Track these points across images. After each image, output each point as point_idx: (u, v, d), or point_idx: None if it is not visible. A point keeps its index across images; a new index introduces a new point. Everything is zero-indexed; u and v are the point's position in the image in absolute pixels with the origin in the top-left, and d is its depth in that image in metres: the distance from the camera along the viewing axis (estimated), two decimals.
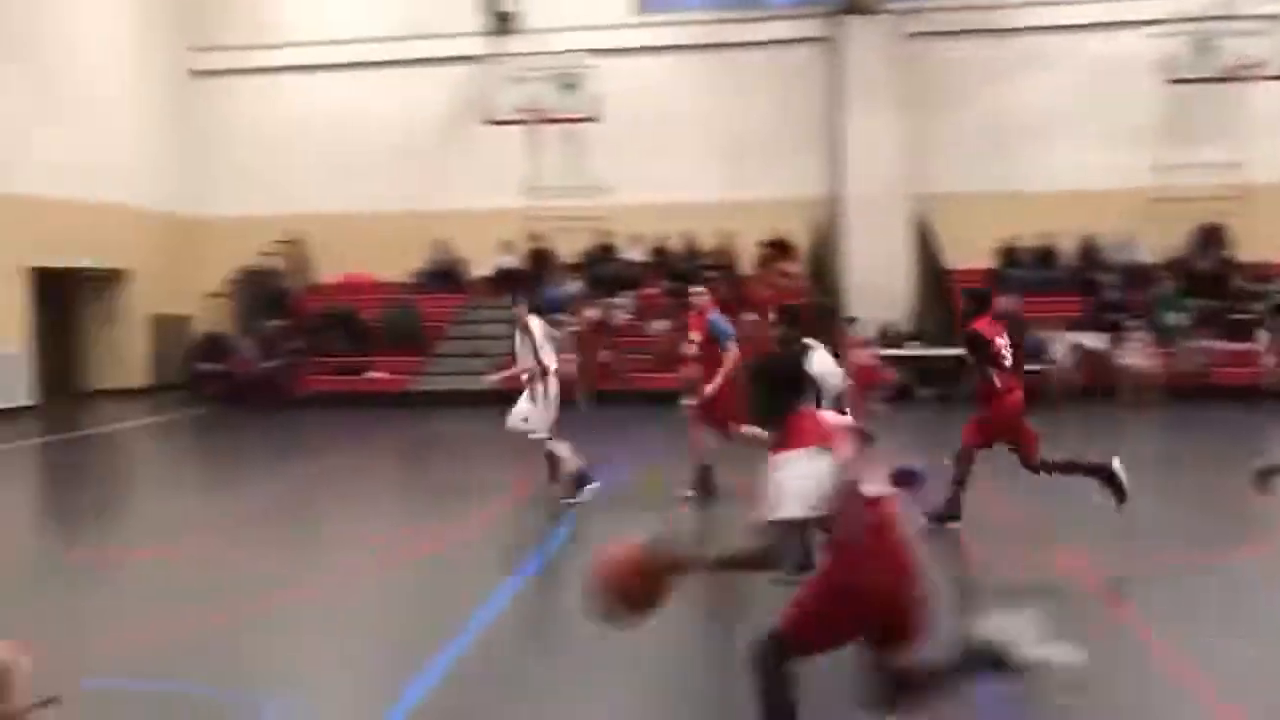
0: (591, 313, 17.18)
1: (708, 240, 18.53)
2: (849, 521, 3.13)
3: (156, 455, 13.58)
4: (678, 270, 18.26)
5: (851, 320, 15.07)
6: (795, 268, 17.15)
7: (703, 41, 18.91)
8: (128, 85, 18.63)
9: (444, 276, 19.36)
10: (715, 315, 8.68)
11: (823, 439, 3.17)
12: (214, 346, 17.57)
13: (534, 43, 18.75)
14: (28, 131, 15.93)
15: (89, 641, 5.45)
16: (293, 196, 19.26)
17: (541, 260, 18.97)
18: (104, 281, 18.42)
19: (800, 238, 17.80)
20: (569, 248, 18.94)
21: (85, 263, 17.53)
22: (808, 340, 6.35)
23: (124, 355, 18.69)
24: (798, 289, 17.20)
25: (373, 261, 19.28)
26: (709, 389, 8.26)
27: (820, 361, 6.07)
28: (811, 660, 3.33)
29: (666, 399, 15.06)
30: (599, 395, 15.71)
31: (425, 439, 13.97)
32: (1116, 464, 7.08)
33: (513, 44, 19.07)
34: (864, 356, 13.20)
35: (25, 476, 11.94)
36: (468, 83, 19.14)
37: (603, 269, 18.56)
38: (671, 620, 6.04)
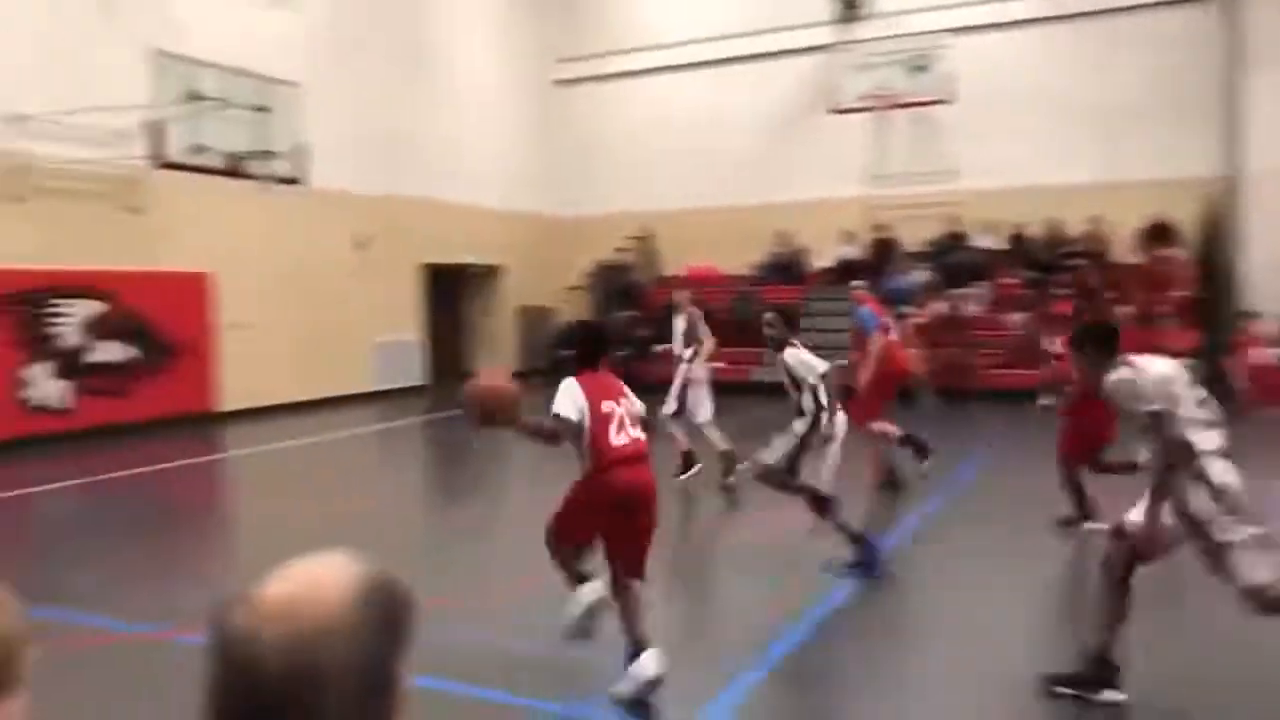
0: (938, 305, 16.36)
1: (1074, 226, 16.99)
2: (588, 449, 4.33)
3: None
4: (1038, 259, 16.98)
5: (1249, 316, 13.13)
6: (1176, 254, 15.28)
7: (1066, 11, 17.37)
8: (501, 98, 20.47)
9: (784, 268, 19.38)
10: (864, 309, 9.29)
11: (591, 386, 4.42)
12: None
13: (883, 26, 18.23)
14: (418, 141, 17.99)
15: (464, 597, 5.99)
16: (646, 194, 20.23)
17: (885, 250, 18.41)
18: (482, 277, 20.43)
19: (1184, 222, 15.81)
20: (915, 236, 18.22)
21: (467, 260, 19.53)
22: (792, 340, 6.63)
23: (497, 343, 20.62)
24: (1179, 278, 15.31)
25: (717, 254, 19.75)
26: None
27: (792, 356, 6.52)
28: (575, 548, 4.51)
29: (1022, 396, 14.06)
30: (947, 392, 14.92)
31: (763, 427, 14.02)
32: None
33: (861, 30, 18.66)
34: (1264, 356, 11.44)
35: (417, 449, 13.50)
36: (813, 73, 19.03)
37: (952, 258, 17.63)
38: (1021, 629, 5.57)
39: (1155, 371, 4.06)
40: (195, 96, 11.30)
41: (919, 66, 17.64)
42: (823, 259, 18.86)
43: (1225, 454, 3.94)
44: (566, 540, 4.48)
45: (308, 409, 14.91)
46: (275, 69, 12.64)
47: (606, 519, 4.31)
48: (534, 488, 9.66)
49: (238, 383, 14.35)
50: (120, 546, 7.71)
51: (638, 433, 4.41)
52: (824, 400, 6.27)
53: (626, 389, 4.54)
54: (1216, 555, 3.82)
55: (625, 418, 4.38)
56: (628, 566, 4.32)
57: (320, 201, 15.21)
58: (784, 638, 5.11)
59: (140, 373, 13.24)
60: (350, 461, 11.85)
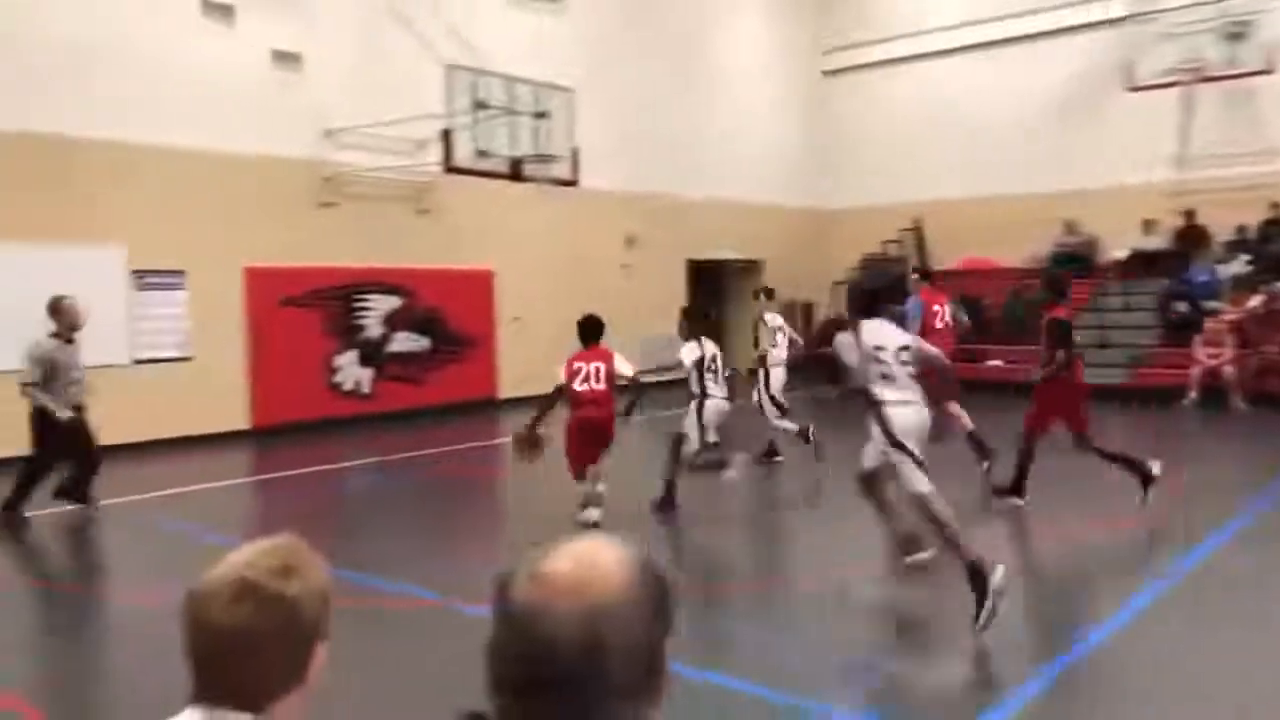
0: (1255, 300, 14.54)
1: None
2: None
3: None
4: None
5: None
6: None
7: None
8: (768, 92, 20.38)
9: (1071, 260, 17.94)
10: (912, 300, 9.59)
11: (576, 358, 7.28)
12: (836, 331, 18.40)
13: None
14: (686, 138, 18.24)
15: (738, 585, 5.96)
16: (915, 184, 19.46)
17: (1191, 239, 16.58)
18: (744, 272, 20.45)
19: None
20: (1228, 224, 16.29)
21: (729, 255, 19.62)
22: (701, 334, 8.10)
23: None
24: None
25: (993, 246, 18.63)
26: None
27: (686, 351, 8.12)
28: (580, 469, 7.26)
29: None
30: (1263, 399, 13.24)
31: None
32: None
33: None
34: None
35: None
36: (1105, 49, 17.45)
37: (1273, 247, 15.60)
38: None
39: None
40: (481, 105, 12.06)
41: (1234, 34, 15.72)
42: (1116, 250, 17.30)
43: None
44: (572, 465, 7.30)
45: None
46: (551, 75, 13.27)
47: (576, 439, 7.25)
48: (798, 480, 9.51)
49: (513, 372, 15.22)
50: (412, 520, 8.36)
51: (599, 385, 7.19)
52: (707, 387, 7.90)
53: (613, 356, 7.33)
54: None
55: (592, 374, 7.21)
56: (586, 463, 7.25)
57: (593, 201, 15.82)
58: (1071, 649, 4.68)
59: (432, 362, 14.36)
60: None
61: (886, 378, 5.19)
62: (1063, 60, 18.08)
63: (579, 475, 7.26)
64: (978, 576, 4.71)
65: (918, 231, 19.92)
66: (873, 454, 5.41)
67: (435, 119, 11.92)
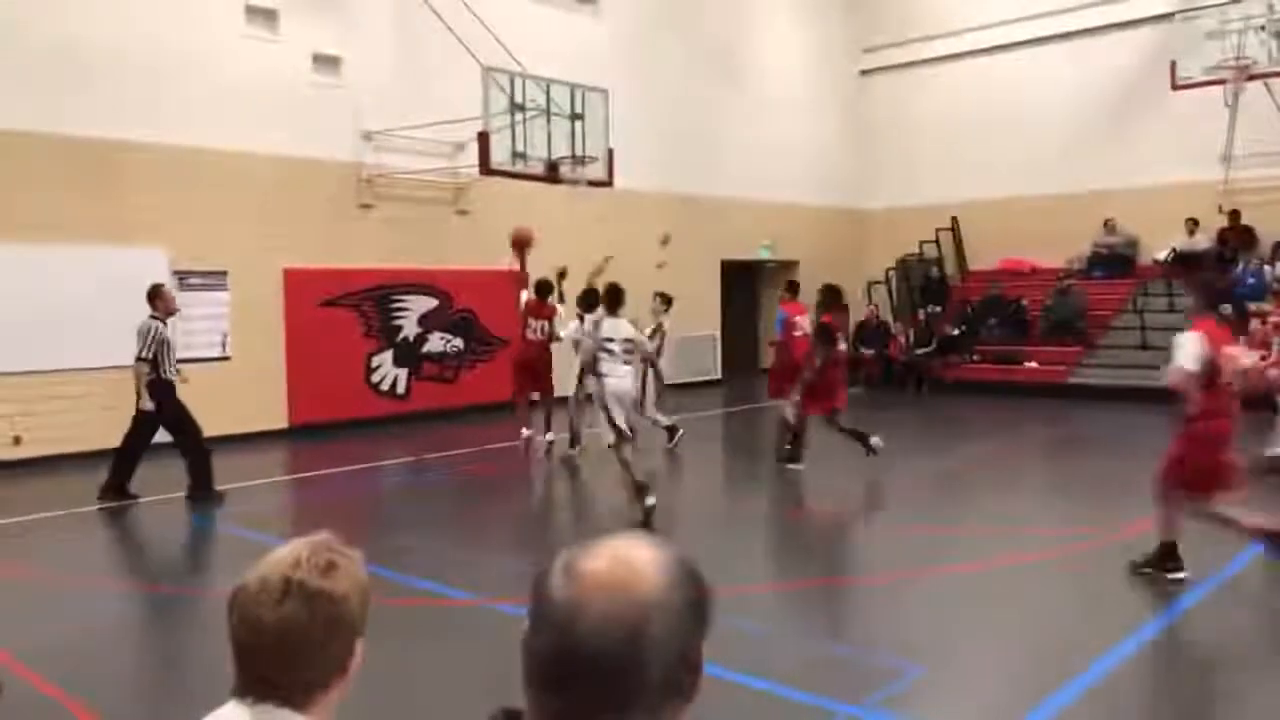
0: None
1: None
2: None
3: (815, 429, 14.58)
4: None
5: None
6: None
7: None
8: (804, 91, 20.27)
9: (1113, 261, 17.72)
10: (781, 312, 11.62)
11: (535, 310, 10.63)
12: (872, 331, 18.33)
13: None
14: (722, 138, 18.22)
15: (757, 585, 5.96)
16: (953, 184, 19.28)
17: (1236, 239, 16.30)
18: (778, 272, 20.37)
19: None
20: (1276, 223, 15.98)
21: (764, 256, 19.55)
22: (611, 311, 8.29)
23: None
24: None
25: (1033, 246, 18.43)
26: None
27: (612, 328, 8.14)
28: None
29: None
30: None
31: (1081, 434, 12.89)
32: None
33: None
34: None
35: (712, 439, 13.69)
36: (1149, 46, 17.19)
37: None
38: None
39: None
40: (517, 107, 12.12)
41: None
42: (1159, 250, 17.02)
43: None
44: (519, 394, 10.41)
45: None
46: (587, 76, 13.30)
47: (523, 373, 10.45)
48: (828, 479, 9.48)
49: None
50: (446, 519, 8.43)
51: (542, 333, 10.36)
52: (601, 369, 8.13)
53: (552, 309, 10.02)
54: None
55: (539, 326, 10.46)
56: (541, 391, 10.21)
57: (627, 202, 15.84)
58: (1107, 654, 4.62)
59: (466, 362, 14.46)
60: (647, 452, 12.21)
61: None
62: (1105, 58, 17.83)
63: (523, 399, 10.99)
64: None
65: (954, 232, 19.74)
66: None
67: (472, 121, 12.00)
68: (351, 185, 13.19)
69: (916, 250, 19.53)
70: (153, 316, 8.68)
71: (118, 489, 8.62)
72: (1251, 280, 14.98)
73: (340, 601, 1.38)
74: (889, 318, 18.97)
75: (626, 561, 0.99)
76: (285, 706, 1.35)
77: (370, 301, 13.46)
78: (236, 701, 1.37)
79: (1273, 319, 14.15)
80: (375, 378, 13.56)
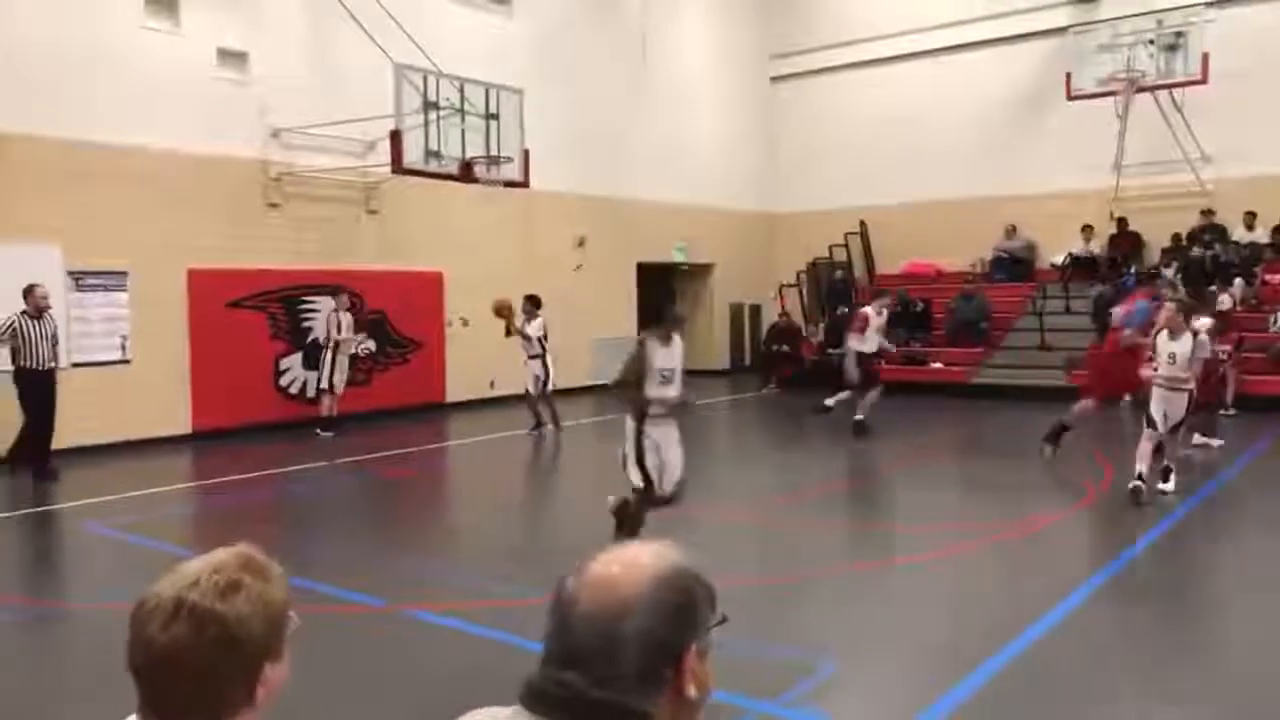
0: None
1: None
2: None
3: (731, 429, 14.78)
4: None
5: None
6: None
7: None
8: (718, 97, 20.50)
9: (1014, 265, 18.36)
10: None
11: None
12: (784, 333, 18.63)
13: (1130, 3, 16.82)
14: (636, 141, 18.30)
15: None
16: (864, 190, 19.69)
17: (1125, 245, 17.06)
18: (693, 274, 20.56)
19: None
20: (1163, 230, 16.78)
21: (678, 258, 19.70)
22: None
23: (707, 340, 20.70)
24: None
25: (938, 250, 18.97)
26: None
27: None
28: None
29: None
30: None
31: (985, 433, 13.33)
32: None
33: (1104, 8, 17.35)
34: None
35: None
36: (1048, 58, 17.87)
37: (1206, 254, 16.09)
38: (1249, 650, 4.98)
39: None
40: (431, 106, 11.97)
41: (1171, 45, 16.18)
42: (1056, 255, 17.72)
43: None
44: None
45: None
46: (502, 76, 13.23)
47: None
48: (738, 481, 9.59)
49: (462, 376, 15.14)
50: (359, 525, 8.29)
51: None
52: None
53: None
54: None
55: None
56: None
57: (542, 203, 15.80)
58: (1014, 641, 4.80)
59: (379, 365, 14.22)
60: (569, 453, 12.21)
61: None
62: (1007, 68, 18.47)
63: None
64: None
65: (863, 236, 20.20)
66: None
67: (384, 119, 11.82)
68: (258, 183, 12.86)
69: (827, 254, 19.92)
70: (23, 312, 9.54)
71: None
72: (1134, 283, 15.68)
73: (235, 625, 1.28)
74: (800, 320, 19.31)
75: (623, 563, 1.15)
76: None
77: (278, 303, 13.14)
78: (136, 717, 1.31)
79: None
80: (284, 381, 13.24)
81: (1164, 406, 8.13)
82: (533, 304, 12.93)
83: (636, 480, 6.20)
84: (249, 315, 12.80)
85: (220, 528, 7.97)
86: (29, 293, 9.61)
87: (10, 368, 9.58)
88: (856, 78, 20.24)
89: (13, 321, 9.48)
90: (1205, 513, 8.08)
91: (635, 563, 1.15)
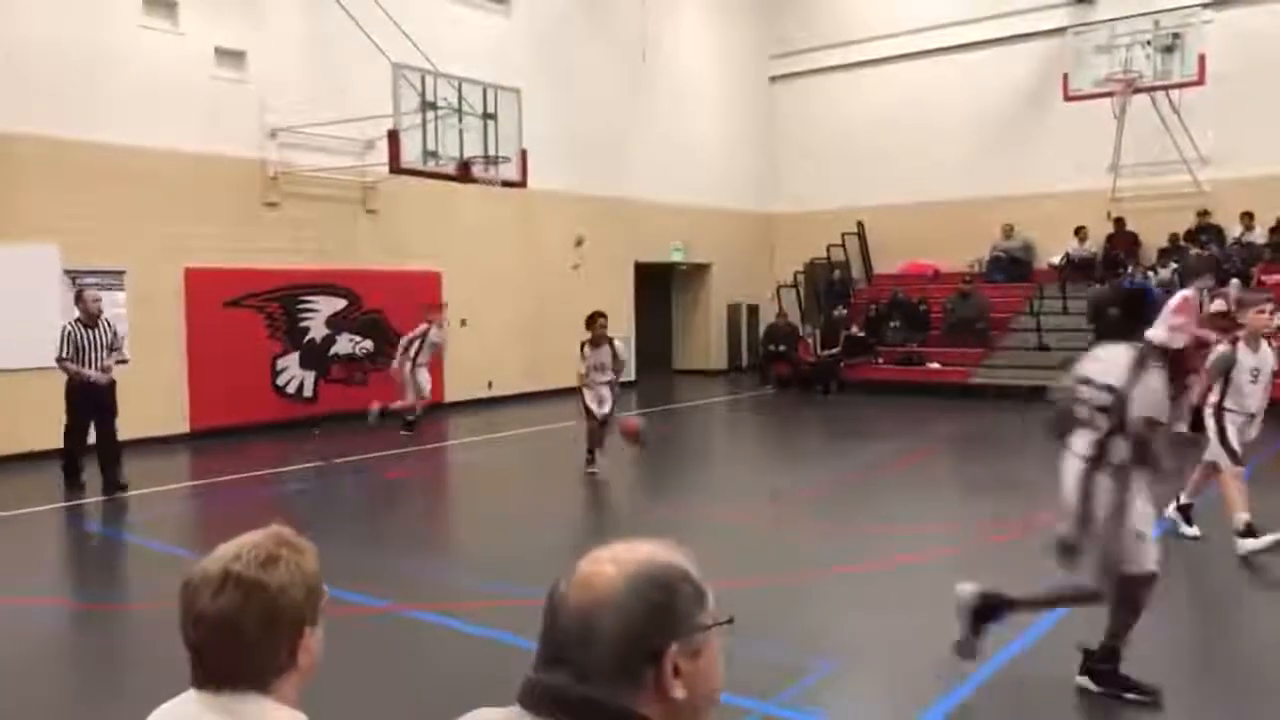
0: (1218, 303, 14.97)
1: None
2: None
3: (728, 430, 14.80)
4: None
5: None
6: None
7: None
8: (717, 96, 20.52)
9: (1011, 265, 18.39)
10: None
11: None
12: (781, 333, 18.64)
13: (1127, 4, 16.85)
14: (635, 141, 18.31)
15: None
16: (859, 189, 19.74)
17: (1121, 246, 17.08)
18: (691, 274, 20.58)
19: None
20: (1160, 231, 16.80)
21: (676, 259, 19.72)
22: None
23: (705, 340, 20.72)
24: None
25: (936, 250, 18.99)
26: None
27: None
28: None
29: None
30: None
31: (983, 433, 13.34)
32: None
33: (1102, 9, 17.38)
34: None
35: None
36: (1046, 58, 17.90)
37: (1204, 254, 16.11)
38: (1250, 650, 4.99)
39: None
40: (429, 105, 11.98)
41: (1168, 46, 16.21)
42: (1053, 256, 17.75)
43: None
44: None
45: (527, 400, 15.53)
46: (500, 76, 13.22)
47: None
48: (737, 480, 9.60)
49: (461, 375, 15.13)
50: (355, 525, 8.29)
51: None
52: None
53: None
54: None
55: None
56: None
57: (541, 203, 15.80)
58: (1008, 647, 4.81)
59: (376, 364, 14.22)
60: (563, 452, 12.21)
61: None
62: (1004, 69, 18.49)
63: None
64: None
65: (860, 236, 20.22)
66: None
67: (382, 119, 11.82)
68: (257, 183, 12.86)
69: (824, 254, 19.94)
70: (76, 320, 9.04)
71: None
72: (1136, 284, 15.69)
73: (277, 593, 1.42)
74: (798, 320, 19.32)
75: (607, 561, 1.16)
76: (235, 693, 1.41)
77: (276, 302, 13.13)
78: (195, 691, 1.44)
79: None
80: (281, 380, 13.24)
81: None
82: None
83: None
84: (246, 315, 12.79)
85: (218, 528, 7.95)
86: (79, 298, 9.16)
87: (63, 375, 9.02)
88: (855, 78, 20.27)
89: (68, 331, 8.92)
90: (1206, 514, 8.09)
91: (622, 560, 1.16)
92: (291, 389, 13.34)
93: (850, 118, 20.19)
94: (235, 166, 12.58)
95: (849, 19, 20.32)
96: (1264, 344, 6.80)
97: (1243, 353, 6.72)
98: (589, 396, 10.03)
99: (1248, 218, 16.17)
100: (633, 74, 18.41)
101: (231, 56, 12.61)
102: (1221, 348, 6.90)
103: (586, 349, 10.08)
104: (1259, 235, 16.12)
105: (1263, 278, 15.34)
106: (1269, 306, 7.01)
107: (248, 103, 12.61)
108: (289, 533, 1.53)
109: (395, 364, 12.88)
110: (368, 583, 6.13)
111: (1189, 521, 7.12)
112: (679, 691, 1.12)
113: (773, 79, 21.57)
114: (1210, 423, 6.83)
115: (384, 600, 5.79)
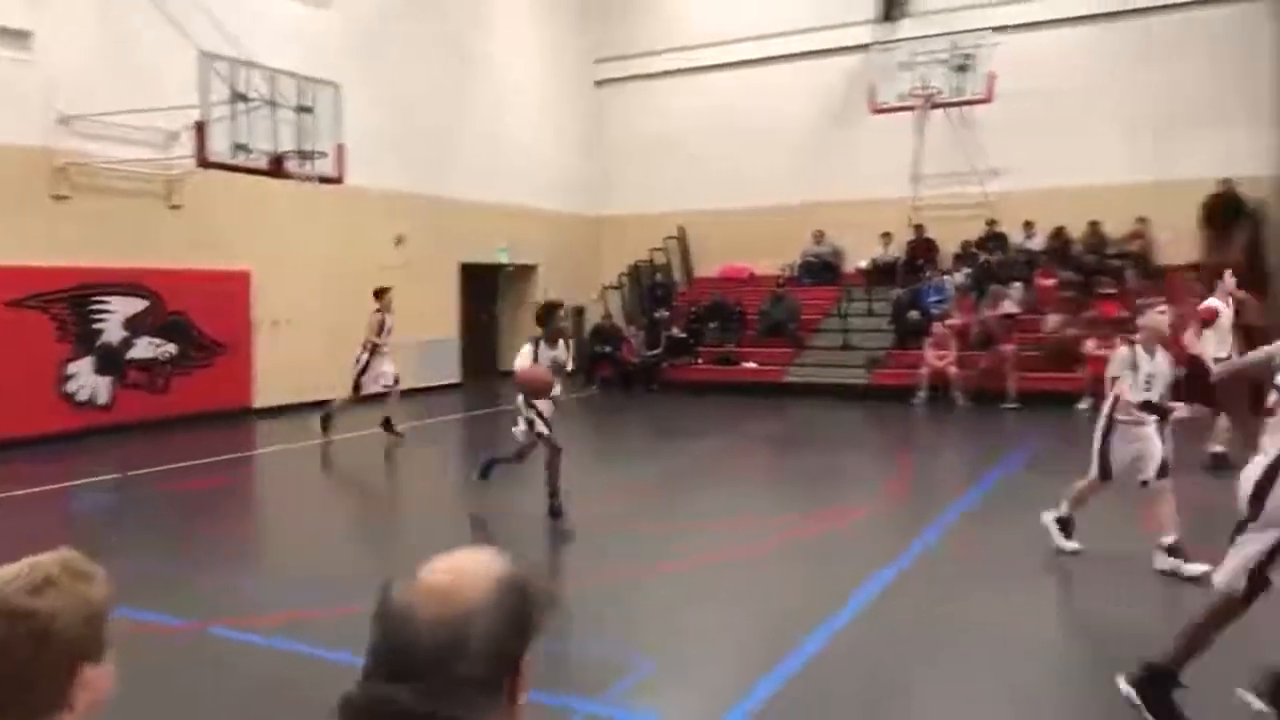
0: (974, 308, 16.21)
1: (1118, 227, 16.78)
2: None
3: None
4: (1080, 261, 16.80)
5: None
6: (1229, 256, 14.98)
7: (1113, 8, 17.12)
8: (541, 98, 20.50)
9: (821, 269, 19.29)
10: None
11: None
12: (605, 334, 18.85)
13: (927, 25, 18.04)
14: (457, 140, 18.07)
15: None
16: (683, 195, 20.20)
17: (920, 252, 18.25)
18: (516, 276, 20.49)
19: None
20: (955, 238, 18.05)
21: (502, 259, 19.59)
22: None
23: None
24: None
25: (752, 254, 19.68)
26: None
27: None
28: None
29: (1059, 401, 13.85)
30: (981, 396, 14.79)
31: (794, 430, 13.95)
32: None
33: (903, 28, 18.50)
34: None
35: (450, 443, 13.57)
36: (855, 72, 18.89)
37: (992, 260, 17.44)
38: (1041, 627, 5.49)
39: None
40: (239, 97, 11.42)
41: (961, 66, 17.46)
42: (860, 260, 18.77)
43: None
44: None
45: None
46: (317, 69, 12.75)
47: None
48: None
49: (274, 379, 14.50)
50: (155, 539, 7.82)
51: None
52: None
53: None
54: None
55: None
56: None
57: (360, 200, 15.34)
58: (806, 644, 5.07)
59: (180, 369, 13.43)
60: (383, 458, 11.92)
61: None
62: (817, 81, 19.39)
63: None
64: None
65: (680, 240, 20.72)
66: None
67: (189, 109, 11.18)
68: (43, 173, 11.88)
69: (647, 257, 20.30)
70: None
71: None
72: (934, 290, 16.81)
73: (47, 620, 1.28)
74: (621, 321, 19.59)
75: (459, 571, 1.13)
76: None
77: (64, 303, 12.17)
78: None
79: (949, 323, 16.00)
80: (70, 387, 12.28)
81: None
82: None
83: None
84: (30, 316, 11.78)
85: None
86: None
87: None
88: (676, 85, 20.74)
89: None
90: (992, 500, 8.77)
91: (469, 571, 1.13)
92: (83, 396, 12.40)
93: (672, 124, 20.64)
94: (17, 155, 11.58)
95: (670, 26, 20.78)
96: (1159, 350, 6.31)
97: (1140, 356, 6.24)
98: (541, 407, 8.00)
99: (1029, 226, 17.60)
100: (456, 72, 18.15)
101: (14, 36, 11.59)
102: (1121, 349, 6.42)
103: (542, 347, 7.87)
104: (1038, 242, 17.57)
105: (1040, 281, 16.75)
106: (1166, 306, 6.62)
107: (33, 86, 11.64)
108: (76, 557, 1.38)
109: (366, 357, 12.46)
110: (165, 601, 5.81)
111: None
112: (524, 697, 1.13)
113: (598, 83, 21.78)
114: (1097, 430, 6.44)
115: (183, 619, 5.50)
